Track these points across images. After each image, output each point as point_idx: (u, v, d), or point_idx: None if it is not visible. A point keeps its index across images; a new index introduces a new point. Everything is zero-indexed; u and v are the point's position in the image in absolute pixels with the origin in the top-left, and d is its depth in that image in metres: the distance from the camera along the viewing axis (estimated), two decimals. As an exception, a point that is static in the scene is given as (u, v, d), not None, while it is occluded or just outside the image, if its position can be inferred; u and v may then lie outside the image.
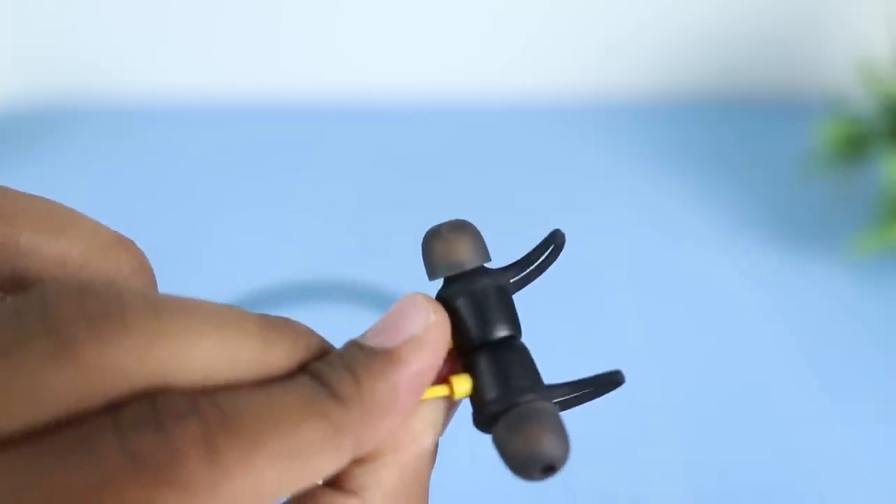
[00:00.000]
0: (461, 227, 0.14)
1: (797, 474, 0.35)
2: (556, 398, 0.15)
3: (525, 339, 0.42)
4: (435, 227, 0.14)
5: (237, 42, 0.64)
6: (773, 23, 0.63)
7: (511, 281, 0.15)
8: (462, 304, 0.14)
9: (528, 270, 0.15)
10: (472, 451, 0.36)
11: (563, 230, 0.50)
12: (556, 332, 0.42)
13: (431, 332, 0.13)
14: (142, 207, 0.53)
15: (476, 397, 0.14)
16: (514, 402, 0.14)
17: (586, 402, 0.14)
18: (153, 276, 0.15)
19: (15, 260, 0.13)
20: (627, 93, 0.67)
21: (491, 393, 0.14)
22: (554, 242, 0.15)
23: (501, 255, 0.47)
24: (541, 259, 0.15)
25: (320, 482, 0.13)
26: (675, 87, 0.67)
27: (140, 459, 0.09)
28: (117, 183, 0.55)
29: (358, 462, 0.13)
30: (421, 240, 0.14)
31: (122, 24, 0.63)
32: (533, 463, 0.13)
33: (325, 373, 0.13)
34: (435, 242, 0.14)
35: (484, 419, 0.14)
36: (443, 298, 0.15)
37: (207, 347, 0.11)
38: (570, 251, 0.48)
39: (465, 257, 0.14)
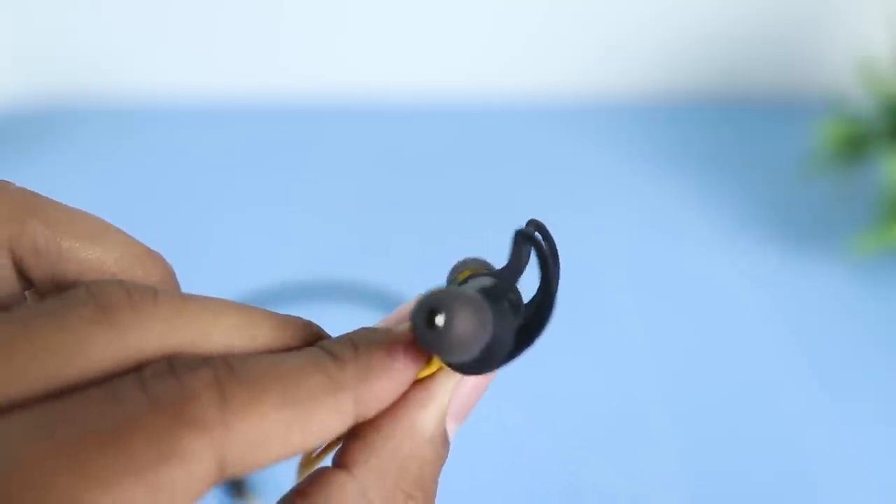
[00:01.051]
0: (449, 301, 0.13)
1: (797, 474, 0.35)
2: (541, 332, 0.15)
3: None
4: (431, 331, 0.13)
5: (237, 42, 0.64)
6: (773, 23, 0.63)
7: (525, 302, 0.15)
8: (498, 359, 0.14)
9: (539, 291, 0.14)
10: (472, 451, 0.36)
11: (564, 230, 0.50)
12: (555, 332, 0.42)
13: None
14: (142, 207, 0.53)
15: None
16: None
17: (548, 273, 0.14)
18: (179, 286, 0.16)
19: (56, 265, 0.14)
20: (627, 93, 0.67)
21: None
22: (526, 242, 0.14)
23: (501, 255, 0.47)
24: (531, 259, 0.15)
25: (325, 442, 0.14)
26: (675, 87, 0.67)
27: (158, 402, 0.11)
28: (117, 183, 0.55)
29: (354, 438, 0.14)
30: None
31: (122, 24, 0.63)
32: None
33: (328, 343, 0.14)
34: (447, 332, 0.13)
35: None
36: (469, 373, 0.15)
37: (228, 324, 0.13)
38: (570, 251, 0.48)
39: (481, 328, 0.13)
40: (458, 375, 0.15)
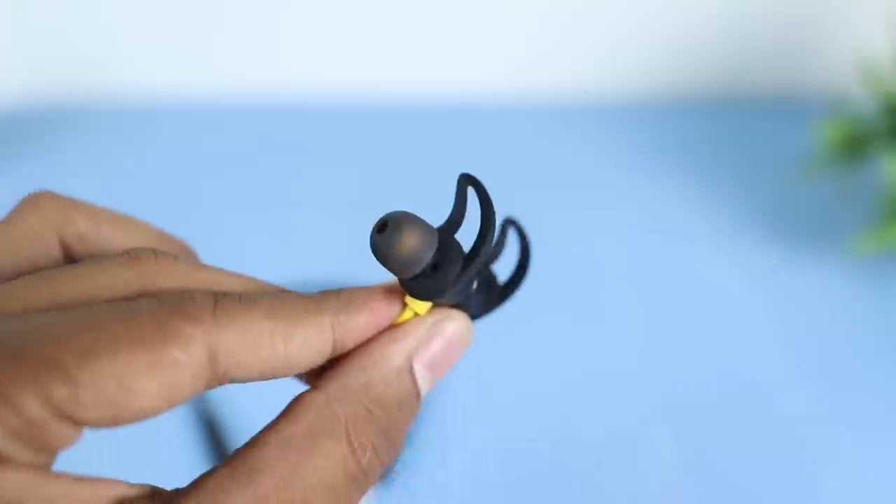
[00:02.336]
0: (397, 223, 0.15)
1: (797, 473, 0.34)
2: (519, 287, 0.18)
3: (524, 338, 0.42)
4: (381, 239, 0.15)
5: (237, 42, 0.64)
6: (774, 23, 0.63)
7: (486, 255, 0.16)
8: (452, 297, 0.16)
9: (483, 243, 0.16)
10: (473, 452, 0.36)
11: (564, 230, 0.50)
12: (555, 332, 0.42)
13: None
14: (142, 207, 0.53)
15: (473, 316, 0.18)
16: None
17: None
18: (197, 256, 0.19)
19: (95, 248, 0.17)
20: (628, 92, 0.67)
21: (483, 315, 0.18)
22: (468, 184, 0.17)
23: (502, 255, 0.47)
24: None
25: (308, 357, 0.16)
26: (675, 87, 0.67)
27: (165, 303, 0.14)
28: (118, 182, 0.55)
29: (333, 365, 0.16)
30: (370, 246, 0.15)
31: (123, 24, 0.63)
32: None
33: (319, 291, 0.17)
34: (388, 247, 0.15)
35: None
36: (431, 298, 0.16)
37: (237, 279, 0.16)
38: (570, 251, 0.48)
39: (423, 246, 0.15)
40: (428, 321, 0.16)
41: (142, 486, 0.14)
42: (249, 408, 0.38)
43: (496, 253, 0.17)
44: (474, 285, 0.17)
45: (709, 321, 0.43)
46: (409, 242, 0.15)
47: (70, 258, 0.17)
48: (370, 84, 0.67)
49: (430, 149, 0.59)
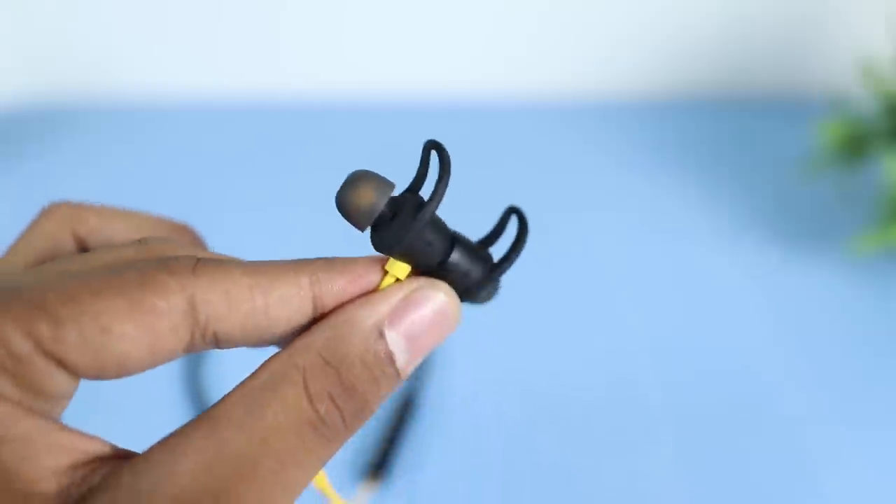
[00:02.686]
0: (355, 178, 0.16)
1: (797, 474, 0.34)
2: (511, 265, 0.18)
3: (524, 338, 0.42)
4: (340, 193, 0.16)
5: (237, 42, 0.64)
6: (774, 22, 0.63)
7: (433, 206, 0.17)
8: (407, 247, 0.16)
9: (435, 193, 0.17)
10: (474, 452, 0.36)
11: (564, 230, 0.50)
12: (555, 332, 0.42)
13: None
14: (142, 207, 0.53)
15: (464, 294, 0.18)
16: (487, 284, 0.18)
17: (521, 250, 0.18)
18: (204, 242, 0.20)
19: (107, 241, 0.19)
20: (628, 92, 0.67)
21: (470, 290, 0.18)
22: (432, 148, 0.17)
23: (501, 253, 0.47)
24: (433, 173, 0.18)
25: (288, 315, 0.16)
26: (675, 87, 0.67)
27: (148, 255, 0.16)
28: (118, 182, 0.55)
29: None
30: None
31: (123, 24, 0.63)
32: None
33: None
34: (346, 200, 0.16)
35: (468, 301, 0.18)
36: (386, 248, 0.17)
37: (240, 263, 0.17)
38: (570, 250, 0.48)
39: (376, 197, 0.16)
40: (406, 287, 0.16)
41: (119, 449, 0.15)
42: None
43: (438, 194, 0.17)
44: (456, 255, 0.17)
45: (708, 321, 0.43)
46: (362, 193, 0.16)
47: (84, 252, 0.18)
48: (370, 84, 0.67)
49: (430, 149, 0.59)
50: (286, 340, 0.17)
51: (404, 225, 0.16)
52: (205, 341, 0.15)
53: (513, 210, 0.18)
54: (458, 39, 0.64)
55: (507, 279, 0.46)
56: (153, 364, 0.15)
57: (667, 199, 0.53)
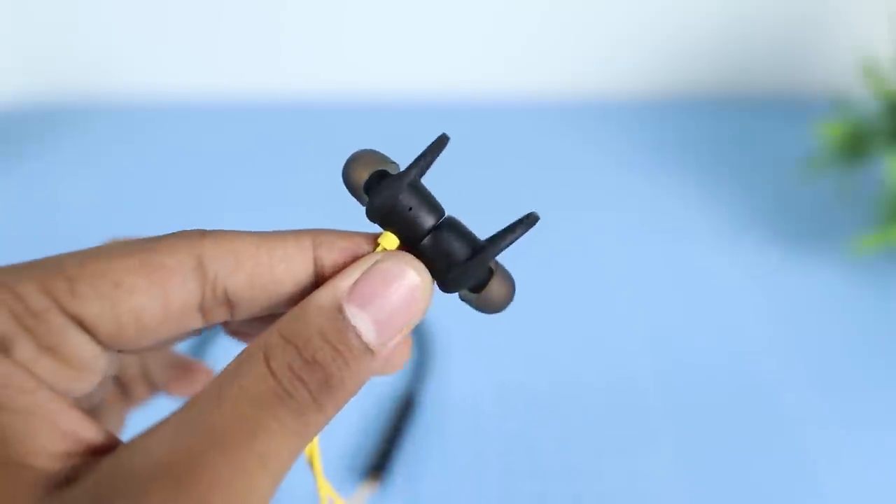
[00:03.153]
0: (357, 154, 0.18)
1: (797, 474, 0.34)
2: (497, 249, 0.18)
3: (524, 338, 0.42)
4: (343, 168, 0.18)
5: (237, 42, 0.64)
6: (775, 22, 0.63)
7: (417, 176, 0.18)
8: (391, 217, 0.17)
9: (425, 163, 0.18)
10: (474, 455, 0.36)
11: (564, 229, 0.50)
12: (555, 331, 0.42)
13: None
14: (142, 206, 0.53)
15: (438, 273, 0.18)
16: (479, 268, 0.18)
17: (514, 241, 0.18)
18: None
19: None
20: (628, 92, 0.67)
21: (452, 270, 0.17)
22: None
23: (501, 253, 0.47)
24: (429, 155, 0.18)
25: (291, 272, 0.17)
26: (676, 87, 0.67)
27: (161, 235, 0.16)
28: (118, 182, 0.55)
29: None
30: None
31: (123, 24, 0.63)
32: (508, 303, 0.18)
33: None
34: (345, 174, 0.18)
35: (453, 285, 0.18)
36: (375, 213, 0.17)
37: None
38: (569, 250, 0.48)
39: (367, 169, 0.17)
40: (365, 264, 0.17)
41: (117, 439, 0.15)
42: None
43: (421, 160, 0.17)
44: (442, 231, 0.17)
45: (708, 321, 0.43)
46: (358, 167, 0.17)
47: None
48: (370, 84, 0.67)
49: (430, 149, 0.59)
50: (292, 305, 0.17)
51: (380, 191, 0.17)
52: (215, 298, 0.16)
53: (529, 216, 0.18)
54: (458, 39, 0.64)
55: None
56: (169, 321, 0.16)
57: (667, 199, 0.53)
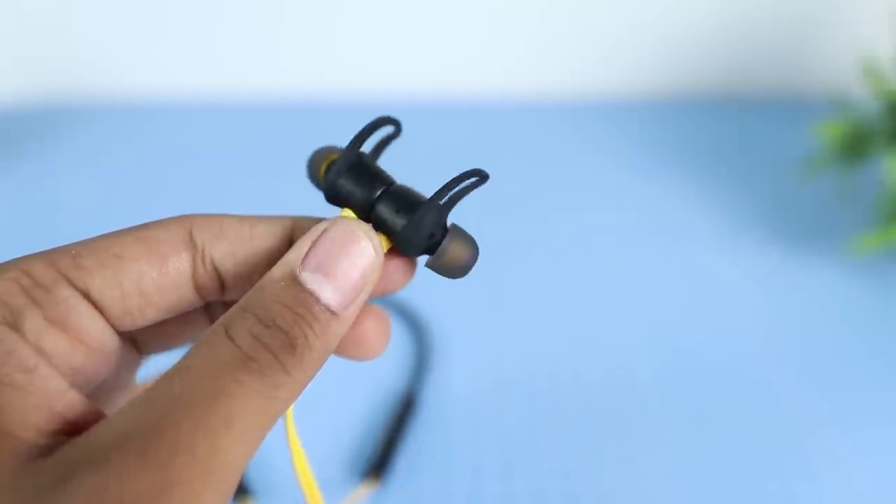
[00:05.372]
0: (310, 159, 0.20)
1: (797, 474, 0.34)
2: (449, 204, 0.19)
3: (524, 337, 0.42)
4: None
5: (237, 42, 0.64)
6: (776, 22, 0.63)
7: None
8: (339, 196, 0.19)
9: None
10: (474, 453, 0.36)
11: (564, 229, 0.50)
12: (555, 331, 0.42)
13: None
14: (142, 206, 0.53)
15: (394, 237, 0.19)
16: (434, 228, 0.19)
17: (460, 192, 0.19)
18: None
19: None
20: (628, 92, 0.67)
21: (403, 230, 0.18)
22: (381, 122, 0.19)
23: (502, 253, 0.47)
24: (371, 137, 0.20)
25: (271, 243, 0.19)
26: (676, 87, 0.67)
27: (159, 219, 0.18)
28: (117, 182, 0.55)
29: None
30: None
31: (122, 24, 0.63)
32: (471, 263, 0.19)
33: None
34: (310, 176, 0.20)
35: (406, 244, 0.18)
36: (328, 197, 0.19)
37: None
38: (569, 250, 0.48)
39: (323, 160, 0.20)
40: (314, 233, 0.17)
41: (97, 411, 0.15)
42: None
43: (353, 143, 0.19)
44: (384, 199, 0.18)
45: (708, 321, 0.43)
46: (312, 166, 0.20)
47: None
48: (370, 84, 0.67)
49: (430, 148, 0.59)
50: None
51: (328, 171, 0.19)
52: (205, 269, 0.18)
53: (477, 170, 0.19)
54: (457, 39, 0.64)
55: (508, 278, 0.46)
56: (167, 291, 0.17)
57: (666, 199, 0.53)
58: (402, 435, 0.36)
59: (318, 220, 0.19)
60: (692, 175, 0.56)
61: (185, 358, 0.15)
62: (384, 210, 0.18)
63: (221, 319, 0.16)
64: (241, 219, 0.18)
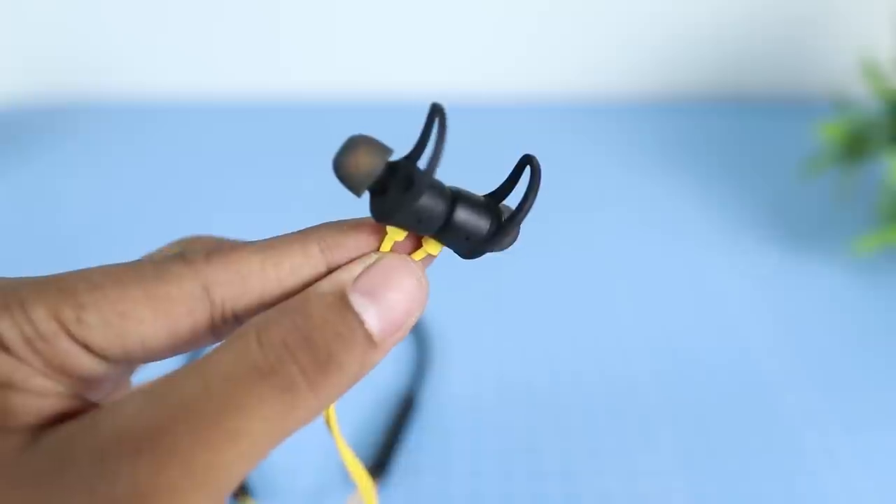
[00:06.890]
0: (353, 142, 0.16)
1: (797, 474, 0.34)
2: (522, 216, 0.17)
3: (524, 337, 0.42)
4: (338, 156, 0.16)
5: (237, 42, 0.64)
6: (776, 22, 0.63)
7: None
8: (403, 218, 0.16)
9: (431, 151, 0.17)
10: (474, 454, 0.36)
11: (564, 230, 0.50)
12: (555, 331, 0.42)
13: None
14: (142, 206, 0.53)
15: (459, 248, 0.18)
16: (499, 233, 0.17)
17: (533, 198, 0.17)
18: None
19: None
20: (628, 92, 0.67)
21: (478, 247, 0.17)
22: (435, 114, 0.17)
23: (501, 252, 0.47)
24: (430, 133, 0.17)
25: (301, 282, 0.17)
26: (676, 87, 0.67)
27: (165, 252, 0.17)
28: (117, 182, 0.55)
29: None
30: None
31: (123, 24, 0.63)
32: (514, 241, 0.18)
33: None
34: (343, 163, 0.16)
35: (477, 256, 0.18)
36: (382, 218, 0.17)
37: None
38: (569, 250, 0.48)
39: (373, 163, 0.16)
40: (368, 259, 0.17)
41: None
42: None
43: (433, 163, 0.16)
44: (459, 216, 0.17)
45: (708, 321, 0.43)
46: (359, 157, 0.16)
47: None
48: (370, 84, 0.67)
49: (430, 148, 0.59)
50: None
51: (399, 197, 0.16)
52: (224, 321, 0.16)
53: (527, 159, 0.18)
54: (458, 40, 0.64)
55: (507, 278, 0.46)
56: (177, 346, 0.16)
57: (667, 199, 0.53)
58: (402, 435, 0.36)
59: (346, 233, 0.17)
60: (693, 175, 0.56)
61: (207, 357, 0.15)
62: (457, 229, 0.17)
63: (255, 320, 0.15)
64: (263, 258, 0.16)
